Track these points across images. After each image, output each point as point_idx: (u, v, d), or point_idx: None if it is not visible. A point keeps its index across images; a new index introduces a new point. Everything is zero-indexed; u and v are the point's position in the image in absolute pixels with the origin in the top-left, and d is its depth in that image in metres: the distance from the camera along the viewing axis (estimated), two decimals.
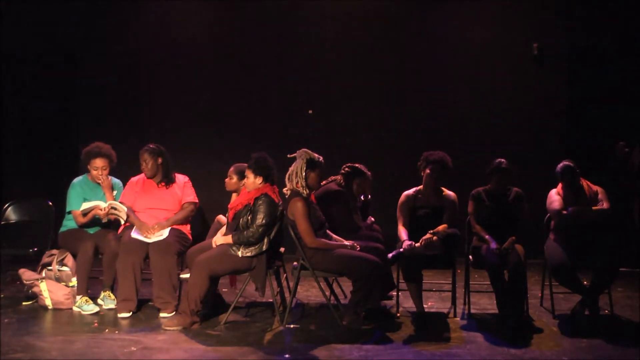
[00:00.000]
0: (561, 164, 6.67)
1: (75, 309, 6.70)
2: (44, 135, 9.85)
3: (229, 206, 6.57)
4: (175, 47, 9.97)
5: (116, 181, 7.21)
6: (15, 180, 9.46)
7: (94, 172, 7.00)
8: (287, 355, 5.46)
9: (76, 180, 7.13)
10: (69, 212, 7.02)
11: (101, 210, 6.80)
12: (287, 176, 6.31)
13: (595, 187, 6.70)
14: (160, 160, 6.96)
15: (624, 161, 6.46)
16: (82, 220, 6.89)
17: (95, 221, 6.92)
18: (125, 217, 6.83)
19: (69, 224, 7.05)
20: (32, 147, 9.77)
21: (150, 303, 6.83)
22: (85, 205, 6.86)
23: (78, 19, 9.87)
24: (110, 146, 7.09)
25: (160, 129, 9.57)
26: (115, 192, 7.09)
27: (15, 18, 9.56)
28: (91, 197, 6.96)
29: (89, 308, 6.64)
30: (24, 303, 6.97)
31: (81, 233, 6.92)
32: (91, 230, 6.95)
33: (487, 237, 6.60)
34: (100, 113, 9.94)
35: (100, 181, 7.01)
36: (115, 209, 6.81)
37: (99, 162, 6.98)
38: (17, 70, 9.79)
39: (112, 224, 7.02)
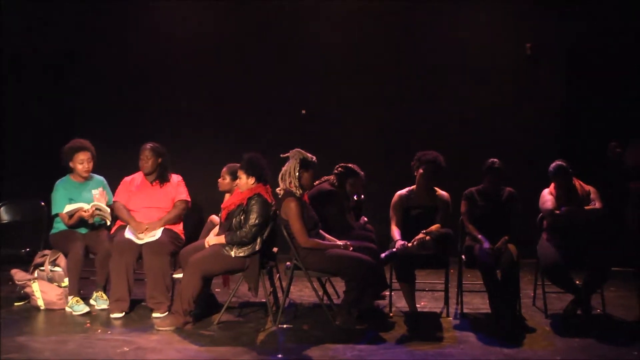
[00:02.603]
0: (554, 164, 6.69)
1: (67, 309, 6.69)
2: (37, 135, 9.81)
3: (222, 206, 6.57)
4: (170, 47, 9.94)
5: (99, 178, 7.20)
6: (7, 181, 9.42)
7: (79, 167, 6.98)
8: (280, 355, 5.46)
9: (59, 181, 7.09)
10: (55, 215, 7.00)
11: (85, 212, 6.79)
12: (280, 176, 6.32)
13: (588, 187, 6.72)
14: (160, 160, 6.97)
15: (616, 161, 6.48)
16: (69, 222, 6.88)
17: (83, 224, 6.91)
18: (110, 218, 6.83)
19: (59, 225, 7.03)
20: (25, 148, 9.73)
21: (143, 303, 6.81)
22: (69, 207, 6.84)
23: (74, 18, 9.82)
24: (89, 141, 7.09)
25: (154, 129, 9.52)
26: (99, 189, 7.09)
27: (11, 17, 9.52)
28: (76, 195, 6.95)
29: (79, 308, 6.62)
30: (16, 304, 6.95)
31: (71, 234, 6.90)
32: (83, 230, 6.94)
33: (480, 236, 6.61)
34: (95, 113, 9.89)
35: (85, 176, 7.00)
36: (99, 209, 6.81)
37: (82, 156, 6.98)
38: (12, 70, 9.74)
39: (102, 225, 7.01)
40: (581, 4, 9.33)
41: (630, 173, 6.49)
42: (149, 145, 6.99)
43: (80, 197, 6.96)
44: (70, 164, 7.02)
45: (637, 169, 6.45)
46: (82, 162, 6.98)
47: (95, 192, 7.04)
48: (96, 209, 6.81)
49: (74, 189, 7.02)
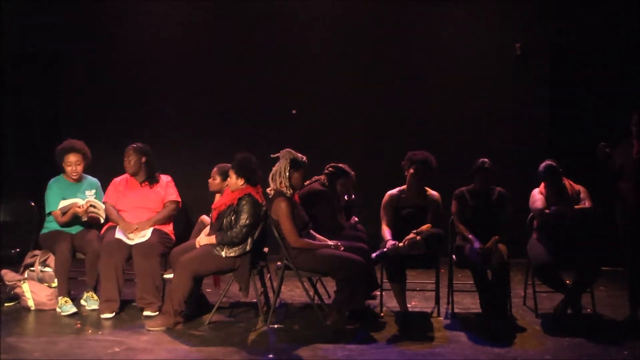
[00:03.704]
0: (544, 164, 6.70)
1: (58, 309, 6.66)
2: (26, 136, 9.78)
3: (212, 206, 6.56)
4: (160, 47, 9.93)
5: (93, 180, 7.19)
6: None
7: (68, 169, 6.96)
8: (271, 356, 5.46)
9: (52, 180, 7.08)
10: (49, 214, 6.99)
11: (79, 207, 6.77)
12: (270, 176, 6.31)
13: (578, 187, 6.74)
14: (144, 159, 6.95)
15: (604, 162, 6.51)
16: (62, 219, 6.85)
17: (76, 221, 6.89)
18: (104, 215, 6.82)
19: (50, 225, 7.00)
20: (14, 149, 9.69)
21: (133, 304, 6.80)
22: (63, 204, 6.82)
23: (60, 19, 9.80)
24: (83, 142, 7.07)
25: (144, 128, 9.50)
26: (93, 191, 7.07)
27: (1, 17, 9.48)
28: (69, 195, 6.92)
29: (67, 309, 6.59)
30: (6, 304, 6.92)
31: (59, 234, 6.86)
32: (73, 230, 6.92)
33: (470, 236, 6.62)
34: (83, 114, 9.88)
35: (74, 177, 6.99)
36: (94, 206, 6.79)
37: (72, 158, 6.95)
38: (1, 69, 9.70)
39: (93, 225, 6.98)
40: (570, 4, 9.36)
41: (619, 173, 6.51)
42: (132, 146, 6.98)
43: (73, 196, 6.93)
44: (62, 165, 7.01)
45: (625, 169, 6.46)
46: (70, 164, 6.96)
47: (90, 194, 7.03)
48: (90, 205, 6.80)
49: (67, 188, 7.00)
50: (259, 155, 6.44)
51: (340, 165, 7.05)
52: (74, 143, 7.01)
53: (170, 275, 6.52)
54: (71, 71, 9.97)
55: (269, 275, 7.10)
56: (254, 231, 6.23)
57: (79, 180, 7.04)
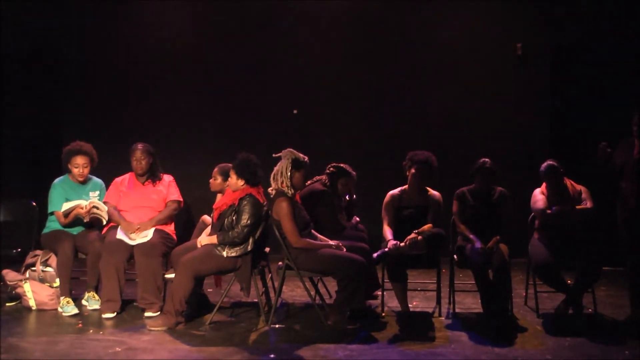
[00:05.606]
0: (545, 164, 6.70)
1: (59, 309, 6.66)
2: (27, 135, 9.78)
3: (213, 206, 6.56)
4: (158, 46, 9.92)
5: (98, 181, 7.19)
6: None
7: (75, 170, 6.97)
8: (272, 355, 5.46)
9: (57, 180, 7.09)
10: (51, 213, 6.99)
11: (82, 209, 6.77)
12: (272, 176, 6.31)
13: (579, 187, 6.74)
14: (151, 159, 6.96)
15: (605, 162, 6.51)
16: (65, 220, 6.86)
17: (78, 221, 6.88)
18: (107, 217, 6.81)
19: (52, 225, 7.01)
20: (15, 148, 9.70)
21: (134, 303, 6.80)
22: (67, 205, 6.83)
23: (60, 18, 9.80)
24: (91, 145, 7.07)
25: (144, 128, 9.51)
26: (98, 192, 7.07)
27: (2, 17, 9.48)
28: (73, 197, 6.93)
29: (68, 310, 6.59)
30: (7, 304, 6.92)
31: (61, 233, 6.87)
32: (74, 231, 6.91)
33: (471, 236, 6.62)
34: (84, 113, 9.88)
35: (81, 179, 6.99)
36: (97, 208, 6.78)
37: (79, 160, 6.96)
38: (1, 69, 9.71)
39: (95, 225, 6.97)
40: (571, 4, 9.36)
41: (620, 173, 6.52)
42: (140, 146, 6.99)
43: (77, 197, 6.94)
44: (69, 166, 7.02)
45: (626, 168, 6.47)
46: (77, 166, 6.97)
47: (94, 196, 7.03)
48: (93, 206, 6.79)
49: (71, 189, 7.00)
50: (260, 155, 6.43)
51: (342, 165, 7.05)
52: (82, 145, 7.01)
53: (172, 275, 6.51)
54: (72, 71, 9.96)
55: (270, 275, 7.10)
56: (255, 231, 6.23)
57: (84, 181, 7.05)
